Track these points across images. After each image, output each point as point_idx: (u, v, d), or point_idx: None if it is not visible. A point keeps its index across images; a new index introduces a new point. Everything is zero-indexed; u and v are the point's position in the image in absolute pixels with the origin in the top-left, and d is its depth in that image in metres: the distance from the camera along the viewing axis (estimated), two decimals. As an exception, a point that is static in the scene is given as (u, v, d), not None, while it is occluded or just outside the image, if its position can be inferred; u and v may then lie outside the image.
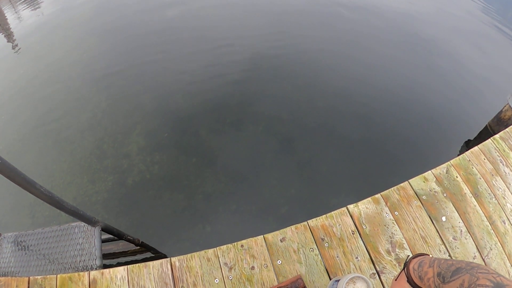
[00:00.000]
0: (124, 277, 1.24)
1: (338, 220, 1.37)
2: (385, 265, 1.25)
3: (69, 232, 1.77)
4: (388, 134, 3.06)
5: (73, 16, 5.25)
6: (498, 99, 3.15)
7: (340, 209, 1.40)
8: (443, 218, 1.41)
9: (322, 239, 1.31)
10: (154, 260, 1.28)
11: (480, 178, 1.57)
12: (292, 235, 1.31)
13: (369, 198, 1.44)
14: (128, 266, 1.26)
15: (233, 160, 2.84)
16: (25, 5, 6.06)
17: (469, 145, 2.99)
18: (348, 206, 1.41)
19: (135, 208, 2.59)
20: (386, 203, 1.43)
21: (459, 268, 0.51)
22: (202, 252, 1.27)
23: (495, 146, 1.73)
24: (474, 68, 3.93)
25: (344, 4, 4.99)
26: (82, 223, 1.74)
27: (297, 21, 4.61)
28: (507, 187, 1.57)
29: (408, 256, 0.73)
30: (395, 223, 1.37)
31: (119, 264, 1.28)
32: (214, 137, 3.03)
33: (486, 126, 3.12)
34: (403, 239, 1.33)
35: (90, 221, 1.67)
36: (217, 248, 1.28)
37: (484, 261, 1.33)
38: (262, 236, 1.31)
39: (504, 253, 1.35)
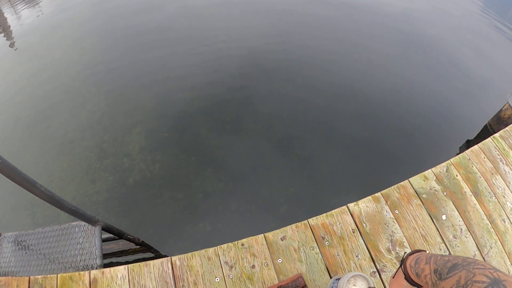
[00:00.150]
0: (125, 276, 1.24)
1: (339, 218, 1.37)
2: (386, 263, 1.25)
3: (69, 232, 1.77)
4: (388, 133, 3.06)
5: (72, 15, 5.24)
6: (498, 98, 3.15)
7: (340, 208, 1.40)
8: (443, 217, 1.41)
9: (322, 237, 1.31)
10: (155, 259, 1.28)
11: (480, 177, 1.57)
12: (293, 233, 1.32)
13: (370, 197, 1.44)
14: (129, 265, 1.26)
15: (233, 159, 2.84)
16: (24, 4, 6.05)
17: (469, 144, 2.99)
18: (348, 204, 1.41)
19: (136, 207, 2.59)
20: (386, 202, 1.43)
21: (456, 264, 0.51)
22: (203, 251, 1.27)
23: (495, 144, 1.73)
24: (474, 67, 3.94)
25: (344, 4, 4.99)
26: (83, 223, 1.74)
27: (296, 20, 4.61)
28: (507, 185, 1.57)
29: (405, 252, 0.73)
30: (396, 222, 1.37)
31: (120, 263, 1.28)
32: (214, 136, 3.03)
33: (486, 125, 3.13)
34: (403, 238, 1.33)
35: (91, 221, 1.67)
36: (218, 247, 1.28)
37: (484, 259, 1.33)
38: (262, 234, 1.31)
39: (504, 251, 1.36)
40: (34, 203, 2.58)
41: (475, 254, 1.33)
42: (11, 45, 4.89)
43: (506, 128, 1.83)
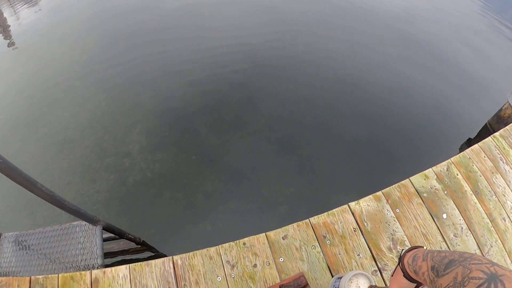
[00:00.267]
0: (126, 276, 1.24)
1: (340, 217, 1.37)
2: (387, 262, 1.25)
3: (70, 231, 1.77)
4: (388, 132, 3.06)
5: (71, 14, 5.23)
6: (498, 98, 3.16)
7: (341, 207, 1.40)
8: (444, 216, 1.41)
9: (324, 236, 1.31)
10: (156, 258, 1.28)
11: (480, 176, 1.58)
12: (294, 232, 1.32)
13: (370, 196, 1.44)
14: (130, 264, 1.26)
15: (233, 158, 2.84)
16: (24, 3, 6.03)
17: (469, 143, 3.00)
18: (349, 203, 1.41)
19: (136, 207, 2.59)
20: (387, 201, 1.43)
21: (452, 260, 0.50)
22: (204, 250, 1.27)
23: (495, 144, 1.73)
24: (474, 66, 3.94)
25: (344, 3, 4.99)
26: (83, 222, 1.74)
27: (297, 19, 4.61)
28: (507, 184, 1.57)
29: (402, 250, 0.73)
30: (396, 221, 1.38)
31: (120, 263, 1.28)
32: (214, 135, 3.03)
33: (486, 124, 3.13)
34: (405, 236, 1.33)
35: (92, 220, 1.67)
36: (219, 246, 1.28)
37: (484, 258, 1.33)
38: (264, 234, 1.31)
39: (504, 250, 1.36)
40: (34, 203, 2.57)
41: (475, 253, 1.33)
42: (11, 44, 4.88)
43: (506, 127, 1.84)
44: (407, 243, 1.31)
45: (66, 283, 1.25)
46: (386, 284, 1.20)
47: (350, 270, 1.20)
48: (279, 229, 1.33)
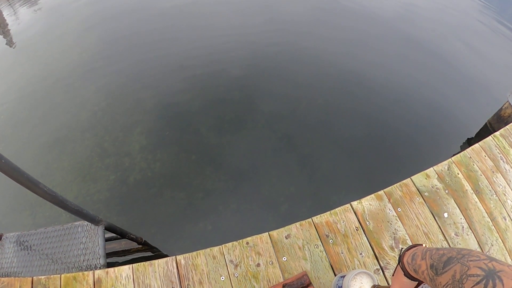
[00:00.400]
0: (129, 275, 1.24)
1: (342, 216, 1.38)
2: (389, 261, 1.26)
3: (72, 232, 1.76)
4: (389, 131, 3.07)
5: (71, 14, 5.21)
6: (498, 97, 3.17)
7: (344, 206, 1.41)
8: (445, 215, 1.42)
9: (326, 235, 1.32)
10: (159, 258, 1.28)
11: (481, 175, 1.59)
12: (297, 231, 1.32)
13: (372, 195, 1.45)
14: (133, 264, 1.26)
15: (233, 158, 2.85)
16: (23, 3, 6.00)
17: (469, 142, 3.01)
18: (351, 202, 1.42)
19: (137, 206, 2.58)
20: (389, 200, 1.44)
21: (450, 257, 0.50)
22: (208, 249, 1.28)
23: (495, 143, 1.74)
24: (474, 66, 3.95)
25: (345, 2, 4.99)
26: (85, 222, 1.74)
27: (297, 18, 4.60)
28: (507, 183, 1.58)
29: (402, 248, 0.73)
30: (398, 220, 1.39)
31: (122, 263, 1.28)
32: (215, 135, 3.03)
33: (486, 123, 3.15)
34: (406, 235, 1.34)
35: (94, 220, 1.67)
36: (223, 245, 1.28)
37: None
38: (267, 233, 1.32)
39: (505, 248, 1.37)
40: (35, 203, 2.57)
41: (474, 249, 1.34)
42: (10, 44, 4.86)
43: (507, 126, 1.85)
44: (409, 242, 1.32)
45: (68, 284, 1.25)
46: (388, 283, 1.21)
47: (352, 269, 1.21)
48: (282, 228, 1.33)
